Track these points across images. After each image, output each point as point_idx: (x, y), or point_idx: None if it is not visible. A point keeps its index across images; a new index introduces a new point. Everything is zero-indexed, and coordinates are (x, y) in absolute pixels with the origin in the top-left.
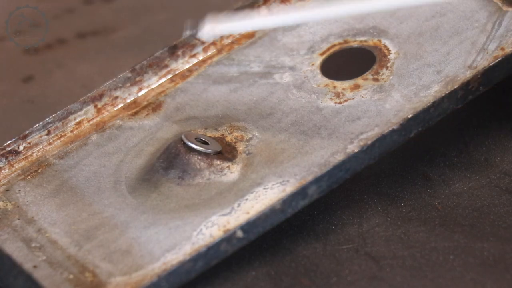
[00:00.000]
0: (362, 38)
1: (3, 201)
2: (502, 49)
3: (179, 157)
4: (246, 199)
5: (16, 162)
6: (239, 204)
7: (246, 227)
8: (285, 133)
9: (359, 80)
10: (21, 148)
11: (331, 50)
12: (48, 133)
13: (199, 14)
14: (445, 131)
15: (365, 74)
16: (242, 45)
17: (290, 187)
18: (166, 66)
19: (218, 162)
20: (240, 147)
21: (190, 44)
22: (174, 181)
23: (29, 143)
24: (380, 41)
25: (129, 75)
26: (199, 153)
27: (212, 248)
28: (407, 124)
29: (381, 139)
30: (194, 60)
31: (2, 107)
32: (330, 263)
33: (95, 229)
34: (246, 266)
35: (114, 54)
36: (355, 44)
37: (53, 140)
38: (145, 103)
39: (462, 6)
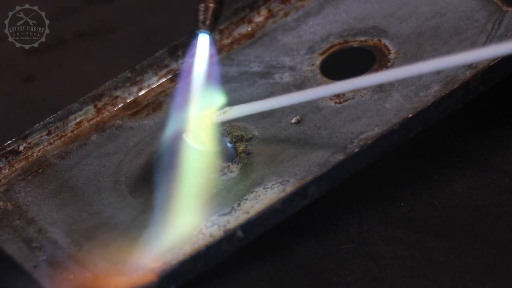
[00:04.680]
0: (362, 38)
1: (3, 201)
2: None
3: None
4: (246, 199)
5: (16, 162)
6: (239, 204)
7: (246, 227)
8: (285, 133)
9: None
10: (21, 148)
11: (331, 50)
12: (49, 133)
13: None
14: (445, 131)
15: (365, 74)
16: (242, 45)
17: (290, 187)
18: (166, 66)
19: (218, 162)
20: (240, 147)
21: (190, 44)
22: None
23: (30, 143)
24: (380, 41)
25: (129, 75)
26: None
27: (212, 248)
28: (407, 124)
29: (381, 139)
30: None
31: (2, 107)
32: (330, 263)
33: (95, 229)
34: (246, 266)
35: (114, 54)
36: (355, 44)
37: (54, 140)
38: (145, 103)
39: (462, 6)
